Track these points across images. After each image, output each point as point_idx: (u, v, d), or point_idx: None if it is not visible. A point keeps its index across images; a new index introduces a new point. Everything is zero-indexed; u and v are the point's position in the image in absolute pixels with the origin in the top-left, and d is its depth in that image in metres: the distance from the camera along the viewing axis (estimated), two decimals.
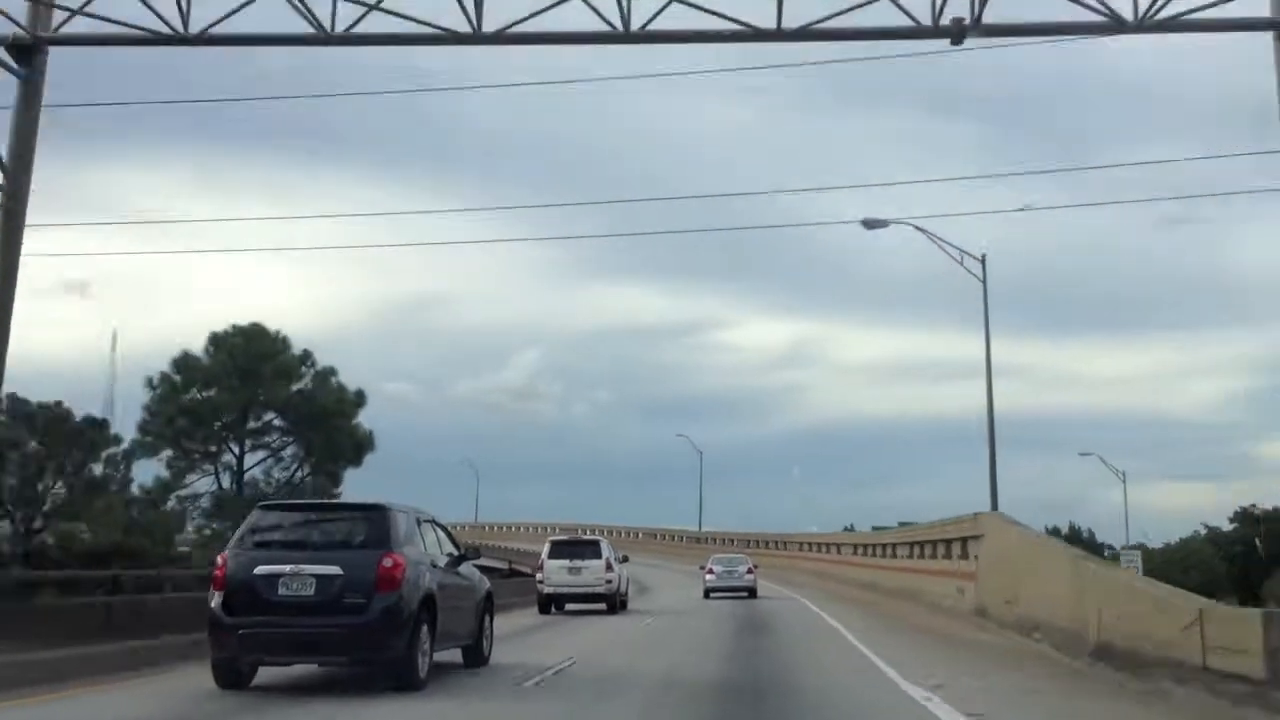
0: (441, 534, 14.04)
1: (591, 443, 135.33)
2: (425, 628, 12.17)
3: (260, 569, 11.62)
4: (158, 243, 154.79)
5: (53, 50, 16.01)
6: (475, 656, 14.46)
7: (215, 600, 11.67)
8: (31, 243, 15.90)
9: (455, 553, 14.15)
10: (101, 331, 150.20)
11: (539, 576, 29.37)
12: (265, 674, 12.39)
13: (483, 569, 16.15)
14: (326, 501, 12.46)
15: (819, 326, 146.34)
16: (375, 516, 12.23)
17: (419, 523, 13.10)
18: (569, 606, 29.03)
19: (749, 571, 39.72)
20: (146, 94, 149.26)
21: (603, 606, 28.81)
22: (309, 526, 12.36)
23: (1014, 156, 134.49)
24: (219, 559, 12.01)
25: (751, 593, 38.96)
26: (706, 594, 38.68)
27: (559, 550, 29.65)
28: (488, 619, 14.91)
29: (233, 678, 11.85)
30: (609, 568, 29.14)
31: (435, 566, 12.87)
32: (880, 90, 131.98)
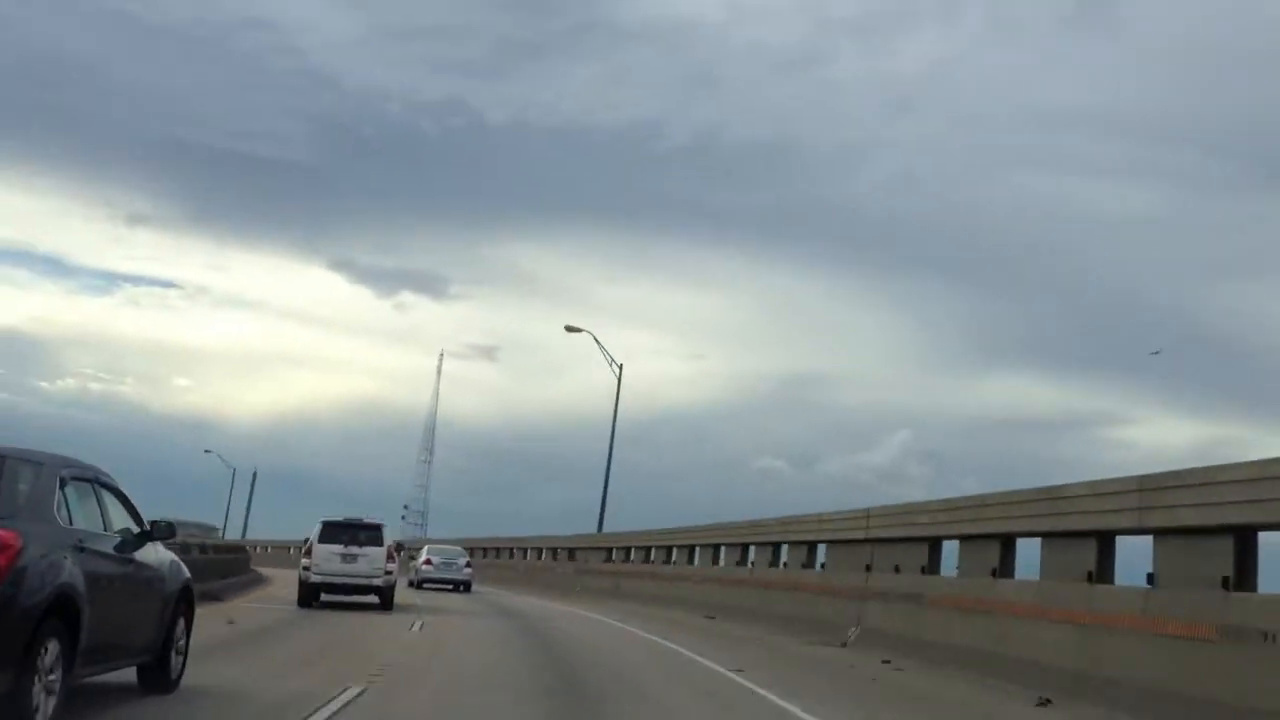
0: (113, 501, 9.53)
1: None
2: (55, 643, 7.69)
3: None
4: (560, 314, 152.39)
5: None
6: (157, 678, 10.04)
7: None
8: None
9: (136, 529, 9.69)
10: (503, 398, 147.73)
11: (304, 563, 24.90)
12: None
13: None
14: None
15: (1237, 429, 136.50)
16: None
17: (64, 481, 8.56)
18: (325, 597, 24.78)
19: (466, 565, 40.03)
20: (556, 178, 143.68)
21: (374, 599, 24.84)
22: None
23: None
24: None
25: (467, 586, 38.65)
26: (419, 585, 37.55)
27: (333, 533, 25.08)
28: (180, 624, 10.45)
29: None
30: (390, 557, 25.14)
31: (87, 549, 8.36)
32: None
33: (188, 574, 10.86)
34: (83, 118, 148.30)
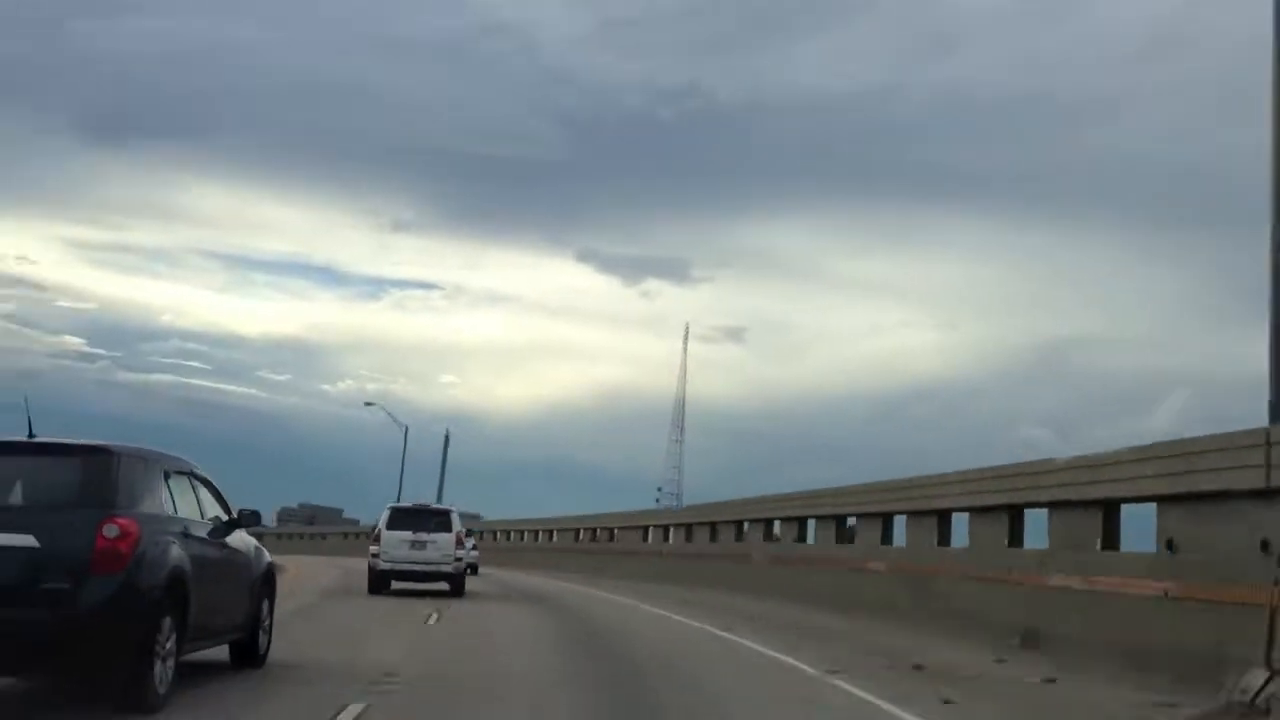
0: (206, 492, 10.35)
1: None
2: (169, 622, 8.51)
3: None
4: (806, 290, 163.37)
5: None
6: (248, 654, 10.89)
7: None
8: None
9: (225, 517, 10.52)
10: (752, 379, 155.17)
11: (373, 550, 25.06)
12: None
13: None
14: (21, 440, 8.53)
15: None
16: (94, 463, 8.46)
17: (168, 475, 9.39)
18: (395, 585, 25.02)
19: (473, 549, 39.67)
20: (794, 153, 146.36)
21: (444, 586, 24.96)
22: None
23: None
24: None
25: (474, 569, 37.71)
26: None
27: (401, 519, 25.31)
28: (266, 605, 11.30)
29: None
30: (459, 543, 25.39)
31: (190, 536, 9.19)
32: None
33: (269, 558, 11.69)
34: (346, 134, 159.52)
